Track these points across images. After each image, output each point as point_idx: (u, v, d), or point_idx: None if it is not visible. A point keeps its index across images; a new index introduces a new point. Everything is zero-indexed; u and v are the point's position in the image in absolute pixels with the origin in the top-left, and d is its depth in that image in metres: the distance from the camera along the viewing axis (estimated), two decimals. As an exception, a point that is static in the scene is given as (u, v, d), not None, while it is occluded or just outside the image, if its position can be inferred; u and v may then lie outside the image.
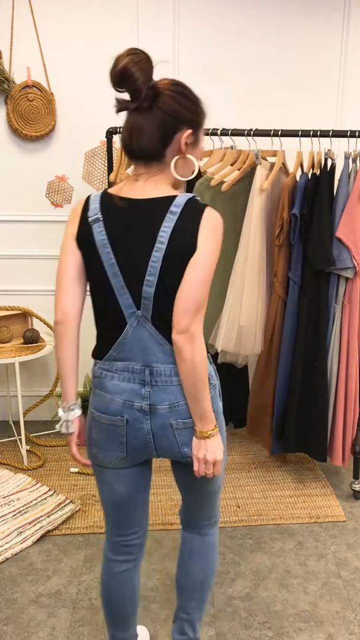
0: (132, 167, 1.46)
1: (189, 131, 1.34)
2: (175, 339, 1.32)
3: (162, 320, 1.36)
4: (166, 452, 1.44)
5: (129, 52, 1.25)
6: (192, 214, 1.31)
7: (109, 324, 1.41)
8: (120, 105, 1.31)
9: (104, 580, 1.64)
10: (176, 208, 1.31)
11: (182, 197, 1.33)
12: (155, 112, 1.29)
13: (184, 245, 1.31)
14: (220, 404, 1.50)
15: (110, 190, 1.40)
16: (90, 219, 1.36)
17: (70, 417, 1.48)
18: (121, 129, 1.36)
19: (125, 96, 1.31)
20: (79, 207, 1.41)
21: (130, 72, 1.24)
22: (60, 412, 1.49)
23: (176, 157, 1.34)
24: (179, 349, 1.32)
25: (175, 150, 1.34)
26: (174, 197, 1.33)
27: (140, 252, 1.33)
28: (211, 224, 1.32)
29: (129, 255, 1.34)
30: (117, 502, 1.53)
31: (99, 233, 1.35)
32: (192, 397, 1.36)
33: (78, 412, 1.49)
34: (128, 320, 1.38)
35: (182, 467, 1.49)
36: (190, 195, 1.35)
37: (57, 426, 1.51)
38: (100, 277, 1.37)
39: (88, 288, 1.43)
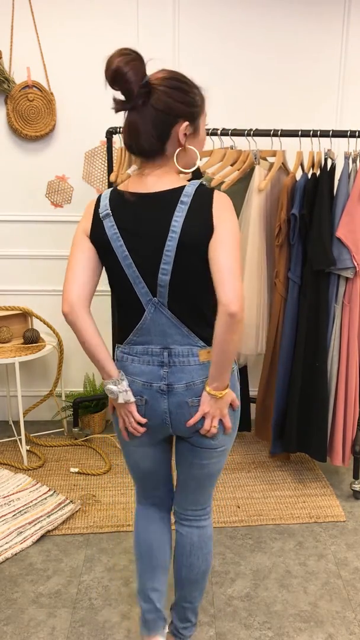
0: (132, 167, 1.50)
1: (186, 123, 1.38)
2: (231, 313, 1.32)
3: (179, 305, 1.43)
4: (181, 428, 1.52)
5: (120, 53, 1.29)
6: (202, 201, 1.38)
7: (128, 312, 1.49)
8: (117, 106, 1.35)
9: (138, 531, 1.73)
10: (187, 198, 1.37)
11: (190, 187, 1.39)
12: (149, 109, 1.34)
13: (199, 231, 1.37)
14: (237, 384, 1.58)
15: (120, 187, 1.46)
16: (101, 215, 1.43)
17: (125, 386, 1.49)
18: (121, 128, 1.39)
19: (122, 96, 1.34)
20: (91, 205, 1.48)
21: (122, 72, 1.28)
22: (113, 387, 1.48)
23: (177, 150, 1.40)
24: (237, 320, 1.33)
25: (176, 143, 1.39)
26: (182, 187, 1.39)
27: (153, 243, 1.39)
28: (222, 204, 1.39)
29: (141, 247, 1.41)
30: (143, 473, 1.66)
31: (110, 227, 1.42)
32: (224, 365, 1.41)
33: (127, 381, 1.50)
34: (146, 307, 1.45)
35: (191, 446, 1.55)
36: (197, 182, 1.40)
37: (120, 399, 1.49)
38: (116, 269, 1.45)
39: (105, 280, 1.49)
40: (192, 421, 1.48)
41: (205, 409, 1.47)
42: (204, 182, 1.43)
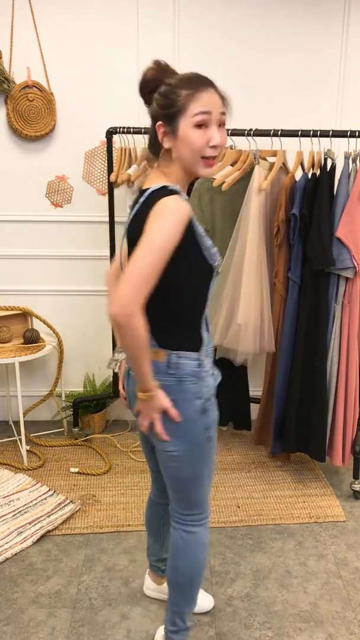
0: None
1: (158, 124, 1.42)
2: (109, 314, 1.33)
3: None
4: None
5: (153, 62, 1.43)
6: (147, 204, 1.38)
7: None
8: None
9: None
10: (143, 199, 1.41)
11: (150, 189, 1.40)
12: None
13: (137, 233, 1.38)
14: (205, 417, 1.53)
15: None
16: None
17: (117, 357, 1.69)
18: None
19: None
20: None
21: (143, 82, 1.43)
22: (115, 355, 1.72)
23: (162, 150, 1.45)
24: (117, 324, 1.32)
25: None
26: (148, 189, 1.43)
27: None
28: (159, 210, 1.34)
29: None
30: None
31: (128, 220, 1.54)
32: (133, 366, 1.43)
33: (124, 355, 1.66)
34: None
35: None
36: (160, 185, 1.40)
37: (106, 365, 1.71)
38: None
39: None
40: (135, 410, 1.55)
41: (137, 405, 1.50)
42: (169, 186, 1.39)
